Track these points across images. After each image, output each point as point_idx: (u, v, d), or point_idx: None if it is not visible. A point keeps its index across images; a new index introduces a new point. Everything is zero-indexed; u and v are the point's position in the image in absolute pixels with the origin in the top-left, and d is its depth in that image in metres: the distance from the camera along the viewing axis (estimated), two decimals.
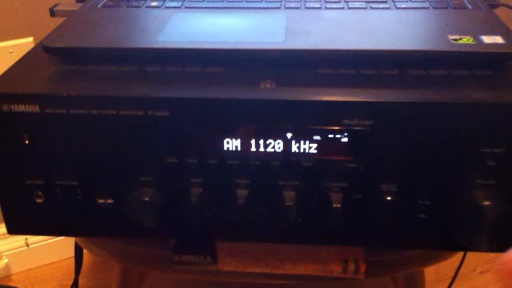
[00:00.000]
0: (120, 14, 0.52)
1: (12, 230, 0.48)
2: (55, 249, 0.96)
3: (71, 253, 0.96)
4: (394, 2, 0.51)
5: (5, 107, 0.43)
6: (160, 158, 0.44)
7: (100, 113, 0.42)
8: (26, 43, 0.78)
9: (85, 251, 0.66)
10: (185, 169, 0.44)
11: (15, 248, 0.94)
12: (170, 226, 0.46)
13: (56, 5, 0.55)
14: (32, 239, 0.95)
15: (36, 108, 0.43)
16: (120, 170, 0.45)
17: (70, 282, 0.90)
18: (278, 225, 0.44)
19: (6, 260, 0.92)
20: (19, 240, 0.94)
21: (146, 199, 0.44)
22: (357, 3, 0.51)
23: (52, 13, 0.55)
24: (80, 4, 0.56)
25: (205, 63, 0.45)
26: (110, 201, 0.46)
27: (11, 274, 0.94)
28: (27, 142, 0.44)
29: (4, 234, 0.93)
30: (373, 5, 0.51)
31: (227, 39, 0.46)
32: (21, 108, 0.43)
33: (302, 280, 0.52)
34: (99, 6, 0.54)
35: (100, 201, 0.46)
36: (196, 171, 0.44)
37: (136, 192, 0.45)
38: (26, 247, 0.94)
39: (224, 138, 0.43)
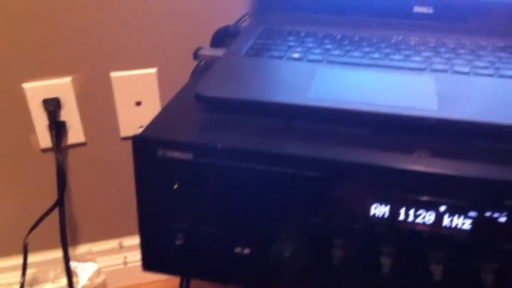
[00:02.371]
0: (264, 64, 0.53)
1: (148, 267, 0.50)
2: None
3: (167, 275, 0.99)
4: None
5: (160, 152, 0.45)
6: (304, 216, 0.44)
7: (250, 167, 0.43)
8: (150, 73, 0.81)
9: None
10: (329, 230, 0.44)
11: (114, 266, 0.97)
12: (304, 283, 0.46)
13: (200, 48, 0.57)
14: (131, 258, 0.98)
15: (189, 156, 0.44)
16: (262, 223, 0.45)
17: None
18: None
19: (104, 277, 0.95)
20: (118, 258, 0.97)
21: (286, 254, 0.45)
22: (508, 71, 0.50)
23: (196, 56, 0.57)
24: (220, 50, 0.58)
25: (355, 124, 0.45)
26: (247, 251, 0.47)
27: None
28: (175, 186, 0.46)
29: (103, 251, 0.96)
30: None
31: (377, 102, 0.46)
32: (175, 154, 0.44)
33: None
34: (242, 53, 0.55)
35: (237, 250, 0.47)
36: (340, 233, 0.44)
37: (275, 246, 0.45)
38: (124, 266, 0.97)
39: (372, 204, 0.42)
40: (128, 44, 0.79)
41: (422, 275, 0.42)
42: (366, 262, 0.44)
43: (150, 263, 0.50)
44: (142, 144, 0.45)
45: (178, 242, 0.48)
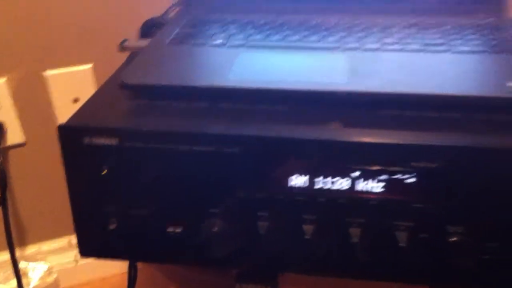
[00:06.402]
0: (189, 51, 0.55)
1: (85, 252, 0.51)
2: (102, 266, 0.99)
3: (119, 269, 0.99)
4: (451, 45, 0.53)
5: (86, 140, 0.46)
6: (230, 192, 0.46)
7: (175, 148, 0.45)
8: (85, 69, 0.82)
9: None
10: (253, 203, 0.46)
11: (65, 264, 0.97)
12: (236, 257, 0.49)
13: (125, 40, 0.59)
14: None
15: (116, 141, 0.46)
16: (191, 201, 0.47)
17: None
18: (342, 260, 0.46)
19: (56, 275, 0.95)
20: (68, 256, 0.98)
21: (215, 229, 0.47)
22: (414, 45, 0.53)
23: (122, 48, 0.58)
24: (146, 40, 0.59)
25: (273, 102, 0.48)
26: (179, 230, 0.48)
27: None
28: (104, 172, 0.47)
29: (53, 250, 0.96)
30: (430, 47, 0.53)
31: (294, 79, 0.48)
32: (101, 141, 0.46)
33: None
34: (167, 42, 0.57)
35: (170, 229, 0.49)
36: (264, 205, 0.46)
37: (205, 223, 0.47)
38: (75, 263, 0.98)
39: (292, 175, 0.45)
40: (62, 41, 0.80)
41: (342, 239, 0.45)
42: (290, 231, 0.46)
43: (86, 249, 0.51)
44: (68, 133, 0.47)
45: (111, 227, 0.49)
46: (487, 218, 0.43)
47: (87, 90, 0.82)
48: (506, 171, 0.41)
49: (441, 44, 0.53)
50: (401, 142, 0.43)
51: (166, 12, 0.66)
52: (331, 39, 0.55)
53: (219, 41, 0.56)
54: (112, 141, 0.46)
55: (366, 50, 0.53)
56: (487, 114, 0.45)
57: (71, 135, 0.46)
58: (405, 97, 0.46)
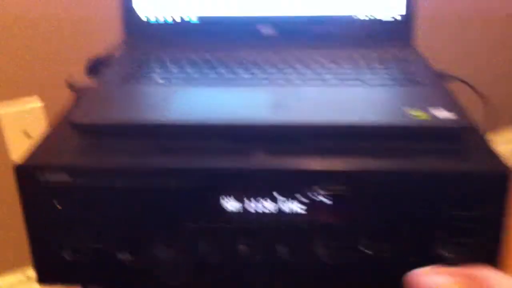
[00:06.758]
0: (132, 91, 0.60)
1: (43, 280, 0.56)
2: None
3: None
4: (363, 79, 0.61)
5: (41, 178, 0.51)
6: (173, 221, 0.51)
7: (120, 183, 0.50)
8: (36, 105, 0.86)
9: None
10: (193, 230, 0.51)
11: None
12: (182, 281, 0.54)
13: (71, 77, 0.64)
14: None
15: (68, 179, 0.51)
16: (139, 231, 0.52)
17: None
18: (274, 276, 0.53)
19: None
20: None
21: (162, 257, 0.52)
22: (334, 80, 0.61)
23: (70, 87, 0.63)
24: (90, 79, 0.65)
25: (206, 136, 0.53)
26: (129, 258, 0.53)
27: None
28: (59, 207, 0.52)
29: (10, 285, 0.98)
30: (346, 82, 0.60)
31: (223, 115, 0.54)
32: (55, 178, 0.51)
33: None
34: (112, 82, 0.62)
35: (120, 257, 0.53)
36: (203, 231, 0.51)
37: (152, 251, 0.52)
38: None
39: (226, 201, 0.50)
40: (12, 79, 0.84)
41: (273, 257, 0.51)
42: (227, 253, 0.52)
43: (44, 277, 0.55)
44: (24, 173, 0.51)
45: (66, 257, 0.53)
46: (395, 233, 0.50)
47: (39, 124, 0.86)
48: (408, 190, 0.49)
49: (355, 79, 0.61)
50: (319, 168, 0.50)
51: (112, 50, 0.71)
52: (261, 75, 0.62)
53: (160, 80, 0.62)
54: (64, 178, 0.51)
55: (291, 85, 0.60)
56: (391, 141, 0.52)
57: (27, 174, 0.51)
58: (321, 128, 0.52)
